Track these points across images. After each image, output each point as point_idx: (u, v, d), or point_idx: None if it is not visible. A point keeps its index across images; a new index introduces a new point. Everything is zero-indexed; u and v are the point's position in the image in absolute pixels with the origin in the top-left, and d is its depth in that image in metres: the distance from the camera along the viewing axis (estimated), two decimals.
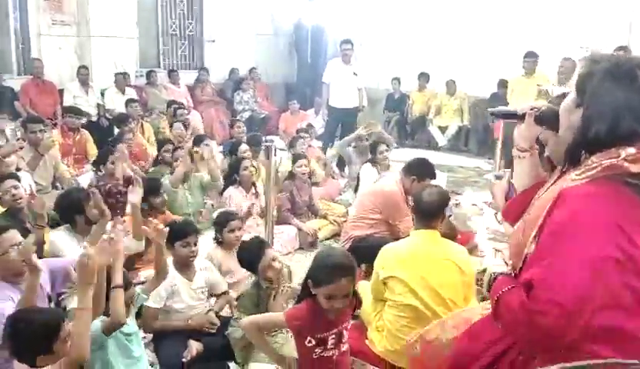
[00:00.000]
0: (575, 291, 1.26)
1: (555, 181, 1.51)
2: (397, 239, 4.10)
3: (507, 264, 1.61)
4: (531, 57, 7.18)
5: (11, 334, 2.10)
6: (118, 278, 2.41)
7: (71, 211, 3.43)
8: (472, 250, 4.82)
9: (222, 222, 3.75)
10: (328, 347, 2.28)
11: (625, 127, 1.31)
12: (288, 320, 2.27)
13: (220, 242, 3.68)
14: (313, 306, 2.24)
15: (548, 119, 1.62)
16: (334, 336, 2.29)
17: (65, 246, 3.35)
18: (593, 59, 1.43)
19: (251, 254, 3.04)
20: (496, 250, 1.78)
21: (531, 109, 1.67)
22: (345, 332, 2.35)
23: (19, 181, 3.83)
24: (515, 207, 1.72)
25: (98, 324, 2.36)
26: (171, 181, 4.61)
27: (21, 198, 3.66)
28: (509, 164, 7.15)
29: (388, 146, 5.85)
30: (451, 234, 4.65)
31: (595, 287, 1.27)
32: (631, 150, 1.30)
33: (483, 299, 3.68)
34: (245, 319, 2.44)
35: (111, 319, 2.38)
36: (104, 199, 4.27)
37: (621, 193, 1.30)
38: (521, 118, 1.70)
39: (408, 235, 4.08)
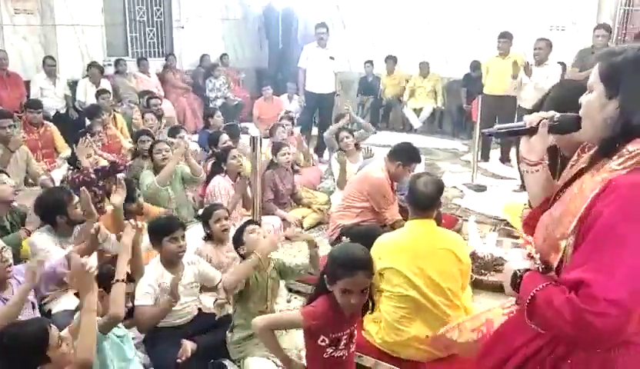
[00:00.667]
0: (632, 290, 1.24)
1: (586, 169, 1.48)
2: (384, 226, 4.12)
3: (531, 258, 1.56)
4: (505, 37, 7.20)
5: None
6: (121, 272, 2.43)
7: (53, 211, 3.30)
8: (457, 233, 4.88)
9: (208, 214, 3.71)
10: (340, 347, 2.25)
11: None
12: (305, 320, 2.21)
13: (209, 237, 3.61)
14: (330, 304, 2.19)
15: (567, 126, 1.56)
16: (347, 336, 2.26)
17: (47, 248, 3.22)
18: (611, 51, 1.43)
19: (239, 230, 3.13)
20: (515, 244, 1.72)
21: (541, 120, 1.58)
22: (355, 332, 2.33)
23: (8, 176, 3.76)
24: (534, 220, 1.66)
25: None
26: (160, 179, 4.46)
27: (10, 193, 3.63)
28: (485, 144, 7.29)
29: (350, 132, 5.82)
30: (436, 219, 4.69)
31: None
32: None
33: (473, 283, 3.72)
34: (257, 319, 2.38)
35: (109, 314, 2.34)
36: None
37: None
38: (531, 131, 1.61)
39: (394, 222, 4.12)
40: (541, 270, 1.51)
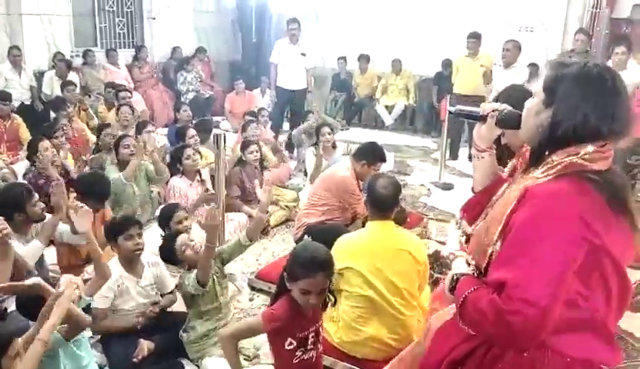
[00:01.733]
0: (546, 289, 1.30)
1: (515, 181, 1.53)
2: (349, 225, 4.14)
3: (469, 265, 1.61)
4: (474, 38, 7.25)
5: None
6: (45, 331, 2.22)
7: (11, 208, 3.21)
8: (422, 231, 4.93)
9: (168, 215, 3.64)
10: (309, 347, 2.24)
11: (590, 127, 1.38)
12: (265, 324, 2.19)
13: None
14: (291, 303, 2.18)
15: (509, 122, 1.62)
16: (313, 334, 2.25)
17: None
18: (562, 62, 1.48)
19: (168, 252, 3.00)
20: (459, 247, 1.76)
21: (493, 111, 1.66)
22: (321, 329, 2.32)
23: None
24: (474, 206, 1.73)
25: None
26: (125, 175, 4.37)
27: None
28: (454, 142, 7.37)
29: (332, 129, 5.83)
30: (401, 217, 4.73)
31: (565, 282, 1.32)
32: (590, 148, 1.38)
33: (434, 282, 3.77)
34: (222, 330, 2.41)
35: (74, 323, 2.30)
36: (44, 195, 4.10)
37: (582, 188, 1.36)
38: (482, 118, 1.69)
39: (366, 215, 4.13)
40: (476, 275, 1.56)
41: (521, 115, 1.56)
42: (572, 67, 1.44)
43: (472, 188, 1.81)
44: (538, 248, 1.32)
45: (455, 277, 1.56)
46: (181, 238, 2.98)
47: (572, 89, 1.40)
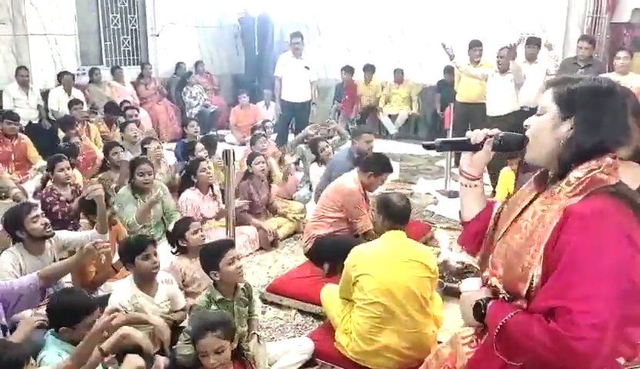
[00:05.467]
0: (610, 313, 1.29)
1: (535, 197, 1.53)
2: (357, 236, 4.18)
3: (488, 286, 1.58)
4: (475, 45, 7.30)
5: None
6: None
7: (13, 227, 3.26)
8: (428, 241, 4.96)
9: (183, 227, 3.65)
10: None
11: (613, 138, 1.42)
12: None
13: (182, 251, 3.60)
14: None
15: (510, 144, 1.61)
16: None
17: (4, 268, 3.16)
18: (566, 79, 1.50)
19: (216, 253, 2.93)
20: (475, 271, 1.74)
21: (486, 137, 1.63)
22: None
23: None
24: (473, 236, 1.72)
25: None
26: (137, 217, 4.30)
27: None
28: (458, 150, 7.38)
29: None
30: None
31: (628, 303, 1.30)
32: (609, 159, 1.41)
33: (445, 290, 3.79)
34: None
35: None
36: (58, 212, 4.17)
37: (617, 205, 1.37)
38: (474, 147, 1.65)
39: (366, 232, 4.17)
40: (506, 299, 1.52)
41: (522, 137, 1.55)
42: (583, 81, 1.46)
43: (460, 218, 1.79)
44: (597, 273, 1.31)
45: (483, 303, 1.53)
46: (230, 255, 2.92)
47: (592, 102, 1.43)
